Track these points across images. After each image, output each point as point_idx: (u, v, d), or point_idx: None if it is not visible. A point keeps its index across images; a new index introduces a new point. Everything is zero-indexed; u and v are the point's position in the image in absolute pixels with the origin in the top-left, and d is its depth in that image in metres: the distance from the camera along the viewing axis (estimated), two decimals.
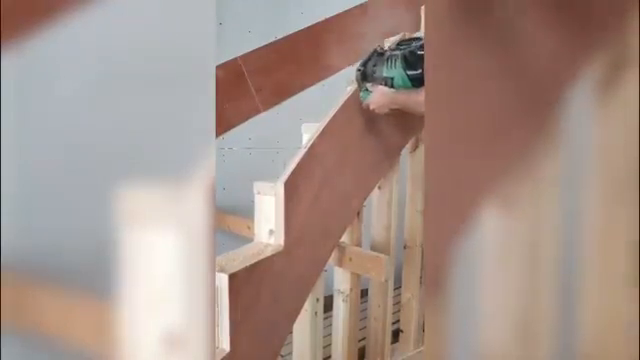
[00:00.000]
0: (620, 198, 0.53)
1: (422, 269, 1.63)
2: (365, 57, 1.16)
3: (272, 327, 1.01)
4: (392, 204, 1.53)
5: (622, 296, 0.53)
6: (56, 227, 0.71)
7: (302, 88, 2.13)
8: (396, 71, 1.08)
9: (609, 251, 0.54)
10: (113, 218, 0.57)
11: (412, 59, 1.07)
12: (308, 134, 1.17)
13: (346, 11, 2.11)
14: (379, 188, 1.52)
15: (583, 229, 0.56)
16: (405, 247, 1.65)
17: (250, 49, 2.03)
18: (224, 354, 0.87)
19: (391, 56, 1.11)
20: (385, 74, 1.10)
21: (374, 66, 1.14)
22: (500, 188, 0.57)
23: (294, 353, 1.36)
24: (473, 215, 0.58)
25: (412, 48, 1.08)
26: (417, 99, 1.05)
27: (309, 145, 1.07)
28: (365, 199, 1.36)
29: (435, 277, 0.59)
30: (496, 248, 0.58)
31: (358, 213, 1.45)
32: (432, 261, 0.59)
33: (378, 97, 1.15)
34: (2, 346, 0.70)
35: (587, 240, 0.56)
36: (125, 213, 0.57)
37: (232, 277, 0.86)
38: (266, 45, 2.06)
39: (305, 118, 1.30)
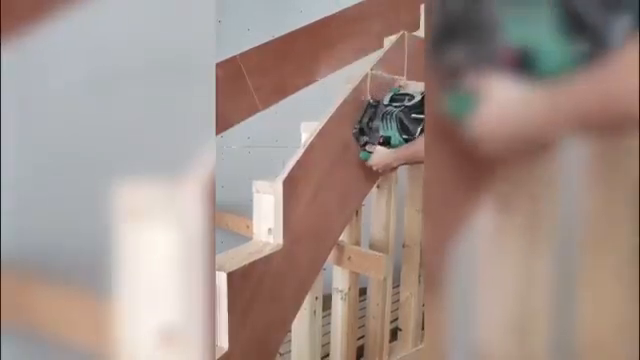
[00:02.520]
0: (620, 198, 0.53)
1: (421, 267, 1.63)
2: (359, 114, 1.20)
3: (271, 325, 1.01)
4: (391, 203, 1.53)
5: (621, 296, 0.53)
6: (54, 225, 0.71)
7: (301, 87, 2.13)
8: (392, 132, 1.14)
9: (608, 250, 0.55)
10: (112, 215, 0.57)
11: (407, 122, 1.11)
12: (307, 133, 1.17)
13: (345, 9, 2.11)
14: (378, 187, 1.52)
15: (581, 228, 0.56)
16: (404, 246, 1.65)
17: (249, 47, 2.03)
18: (223, 352, 0.88)
19: (386, 114, 1.15)
20: (382, 133, 1.16)
21: (370, 121, 1.18)
22: (499, 188, 0.57)
23: (293, 351, 1.36)
24: (472, 214, 0.58)
25: (405, 110, 1.11)
26: (418, 148, 1.09)
27: (308, 144, 1.07)
28: (364, 198, 1.36)
29: (434, 276, 0.59)
30: (495, 247, 0.58)
31: (357, 212, 1.45)
32: (431, 260, 0.59)
33: (380, 159, 1.19)
34: (2, 345, 0.70)
35: (585, 239, 0.56)
36: (124, 210, 0.57)
37: (231, 275, 0.86)
38: (265, 43, 2.05)
39: (304, 117, 1.30)
